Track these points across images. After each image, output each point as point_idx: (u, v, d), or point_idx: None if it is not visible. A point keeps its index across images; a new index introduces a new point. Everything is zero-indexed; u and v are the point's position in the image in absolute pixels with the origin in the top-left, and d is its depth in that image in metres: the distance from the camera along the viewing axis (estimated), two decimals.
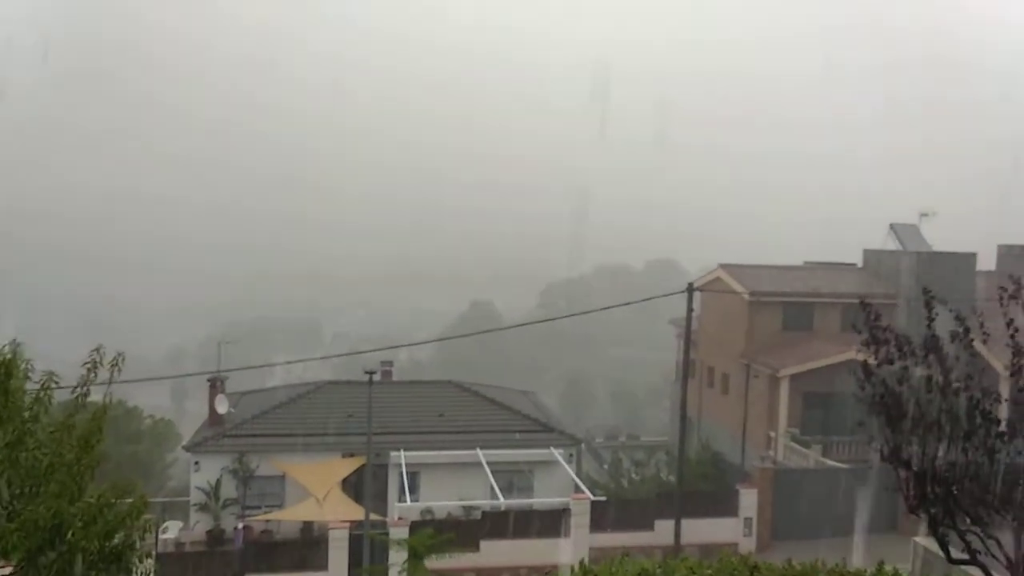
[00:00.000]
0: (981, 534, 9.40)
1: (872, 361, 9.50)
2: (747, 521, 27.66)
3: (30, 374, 8.83)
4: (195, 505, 29.95)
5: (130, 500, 9.01)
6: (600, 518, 26.67)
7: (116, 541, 8.67)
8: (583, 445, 42.40)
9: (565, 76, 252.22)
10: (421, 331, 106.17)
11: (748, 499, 27.83)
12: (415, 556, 19.68)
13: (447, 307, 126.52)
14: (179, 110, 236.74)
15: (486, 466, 29.57)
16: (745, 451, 35.33)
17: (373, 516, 26.38)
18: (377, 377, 35.57)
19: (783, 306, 35.67)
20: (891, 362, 9.30)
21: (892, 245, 36.88)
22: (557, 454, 31.14)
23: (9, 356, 8.62)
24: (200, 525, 29.44)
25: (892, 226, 37.03)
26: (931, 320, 9.45)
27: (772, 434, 33.88)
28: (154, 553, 24.63)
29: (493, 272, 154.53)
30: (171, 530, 29.39)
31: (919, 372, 9.37)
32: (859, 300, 9.79)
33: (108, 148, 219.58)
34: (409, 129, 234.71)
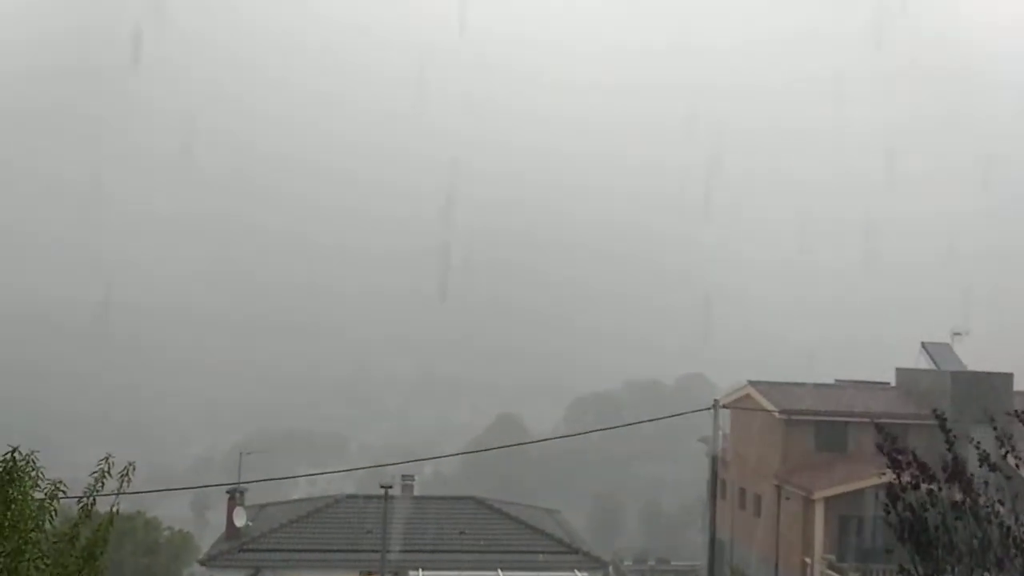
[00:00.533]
0: None
1: (896, 484, 9.19)
2: None
3: (39, 482, 8.82)
4: None
5: None
6: None
7: None
8: (610, 568, 40.86)
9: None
10: (447, 443, 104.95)
11: None
12: None
13: (473, 419, 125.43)
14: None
15: None
16: None
17: None
18: (397, 491, 35.24)
19: (815, 425, 34.77)
20: (916, 486, 8.97)
21: (924, 364, 36.16)
22: None
23: (11, 463, 8.64)
24: None
25: (924, 345, 36.42)
26: (950, 443, 9.17)
27: (808, 560, 32.37)
28: None
29: (520, 384, 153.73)
30: None
31: (948, 497, 9.03)
32: (872, 421, 9.57)
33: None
34: (448, 231, 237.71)
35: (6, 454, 8.74)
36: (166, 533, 48.40)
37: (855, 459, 33.31)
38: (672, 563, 47.64)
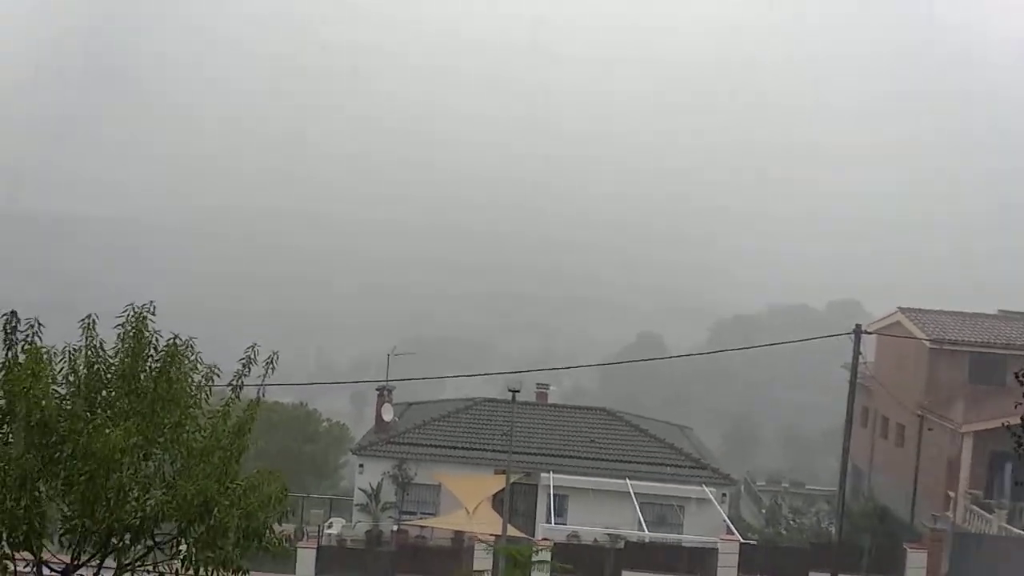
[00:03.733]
0: None
1: None
2: None
3: (198, 365, 10.06)
4: (358, 505, 31.72)
5: (274, 487, 10.01)
6: (749, 563, 25.71)
7: (257, 522, 9.65)
8: (741, 487, 40.87)
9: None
10: (586, 358, 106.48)
11: (916, 560, 25.79)
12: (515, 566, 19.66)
13: (614, 336, 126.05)
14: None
15: (634, 497, 29.32)
16: (917, 509, 32.67)
17: (519, 535, 26.90)
18: (532, 398, 36.50)
19: (970, 356, 32.81)
20: None
21: None
22: (709, 492, 30.30)
23: (173, 347, 9.88)
24: (361, 524, 31.15)
25: None
26: None
27: (951, 494, 31.14)
28: (317, 544, 26.56)
29: (663, 304, 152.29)
30: (335, 526, 31.42)
31: None
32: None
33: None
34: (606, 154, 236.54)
35: (168, 340, 10.02)
36: (325, 424, 52.66)
37: (1013, 393, 31.30)
38: (806, 487, 46.99)
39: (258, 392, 10.49)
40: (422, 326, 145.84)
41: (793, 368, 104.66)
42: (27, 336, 9.90)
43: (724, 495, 30.99)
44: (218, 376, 10.15)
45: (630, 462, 31.77)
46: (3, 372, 9.69)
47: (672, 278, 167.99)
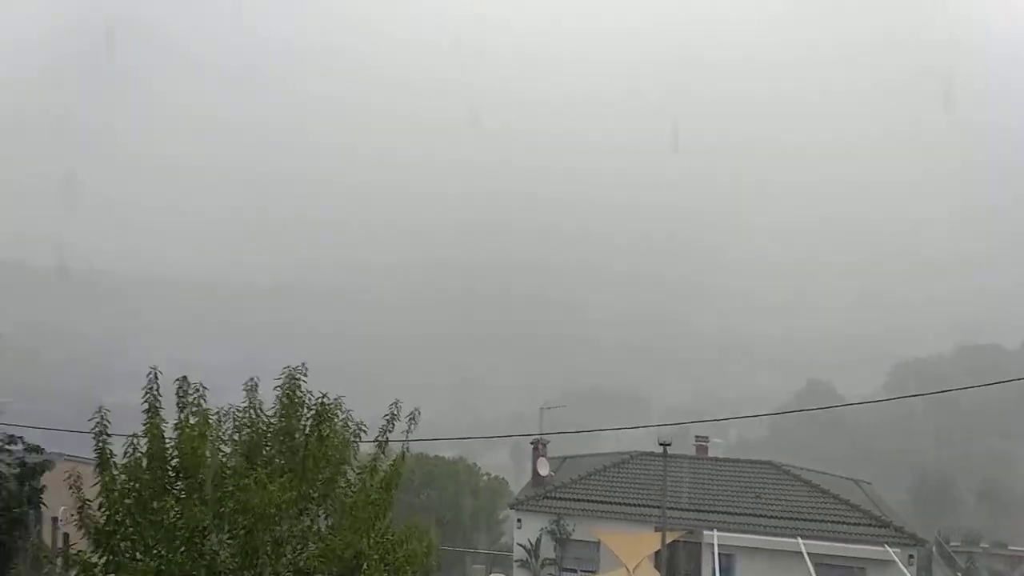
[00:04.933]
0: None
1: None
2: None
3: (348, 423, 10.38)
4: (518, 561, 31.54)
5: (422, 542, 10.08)
6: None
7: None
8: (932, 548, 37.38)
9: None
10: (750, 408, 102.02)
11: None
12: None
13: (781, 384, 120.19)
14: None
15: (807, 557, 27.35)
16: None
17: None
18: (691, 452, 35.19)
19: None
20: None
21: None
22: (893, 553, 27.79)
23: (321, 406, 10.24)
24: None
25: None
26: None
27: None
28: None
29: (833, 350, 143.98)
30: None
31: None
32: None
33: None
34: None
35: (319, 398, 10.43)
36: (484, 478, 53.22)
37: None
38: (1009, 548, 42.08)
39: (402, 447, 10.69)
40: (578, 378, 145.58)
41: (987, 415, 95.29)
42: (195, 399, 10.64)
43: (911, 556, 28.32)
44: (365, 433, 10.44)
45: (802, 519, 29.77)
46: (176, 433, 10.45)
47: (839, 319, 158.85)
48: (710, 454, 36.62)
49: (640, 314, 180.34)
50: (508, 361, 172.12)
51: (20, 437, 11.50)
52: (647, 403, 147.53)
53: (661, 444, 23.89)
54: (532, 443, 34.87)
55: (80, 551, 10.28)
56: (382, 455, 10.57)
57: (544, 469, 34.03)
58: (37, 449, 11.48)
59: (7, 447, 11.16)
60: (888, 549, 27.96)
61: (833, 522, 29.61)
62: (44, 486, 11.04)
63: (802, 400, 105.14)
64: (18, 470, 10.98)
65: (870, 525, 29.41)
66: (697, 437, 36.23)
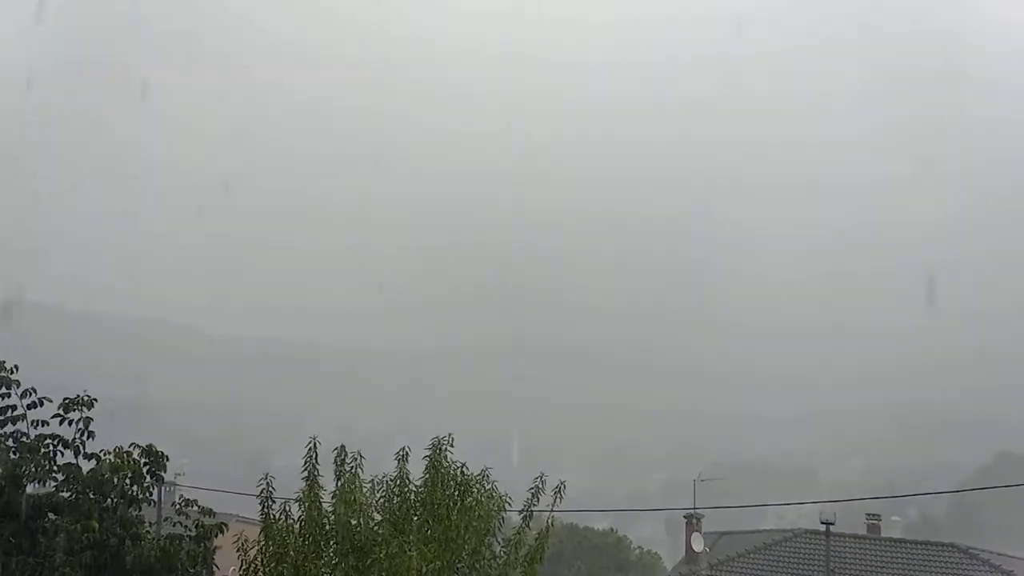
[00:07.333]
0: None
1: None
2: None
3: (492, 494, 10.47)
4: None
5: None
6: None
7: None
8: None
9: None
10: (930, 483, 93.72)
11: None
12: None
13: (965, 456, 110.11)
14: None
15: None
16: None
17: None
18: (863, 531, 32.65)
19: None
20: None
21: None
22: None
23: (462, 477, 10.38)
24: None
25: None
26: None
27: None
28: None
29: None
30: None
31: None
32: None
33: None
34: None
35: (459, 469, 10.62)
36: (636, 551, 51.54)
37: None
38: None
39: (547, 521, 10.62)
40: (737, 449, 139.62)
41: None
42: (352, 468, 11.13)
43: None
44: (510, 504, 10.48)
45: None
46: (332, 500, 10.93)
47: None
48: (885, 533, 33.84)
49: (805, 382, 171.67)
50: (661, 428, 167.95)
51: (195, 500, 12.41)
52: (816, 476, 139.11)
53: (823, 523, 22.38)
54: (685, 517, 33.62)
55: None
56: (526, 528, 10.55)
57: (698, 545, 32.61)
58: (210, 512, 12.35)
59: (184, 510, 12.05)
60: None
61: None
62: (218, 547, 11.86)
63: (988, 476, 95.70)
64: (194, 532, 11.82)
65: None
66: (868, 515, 33.64)
